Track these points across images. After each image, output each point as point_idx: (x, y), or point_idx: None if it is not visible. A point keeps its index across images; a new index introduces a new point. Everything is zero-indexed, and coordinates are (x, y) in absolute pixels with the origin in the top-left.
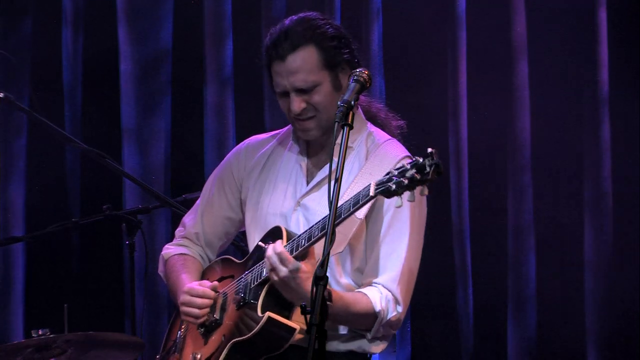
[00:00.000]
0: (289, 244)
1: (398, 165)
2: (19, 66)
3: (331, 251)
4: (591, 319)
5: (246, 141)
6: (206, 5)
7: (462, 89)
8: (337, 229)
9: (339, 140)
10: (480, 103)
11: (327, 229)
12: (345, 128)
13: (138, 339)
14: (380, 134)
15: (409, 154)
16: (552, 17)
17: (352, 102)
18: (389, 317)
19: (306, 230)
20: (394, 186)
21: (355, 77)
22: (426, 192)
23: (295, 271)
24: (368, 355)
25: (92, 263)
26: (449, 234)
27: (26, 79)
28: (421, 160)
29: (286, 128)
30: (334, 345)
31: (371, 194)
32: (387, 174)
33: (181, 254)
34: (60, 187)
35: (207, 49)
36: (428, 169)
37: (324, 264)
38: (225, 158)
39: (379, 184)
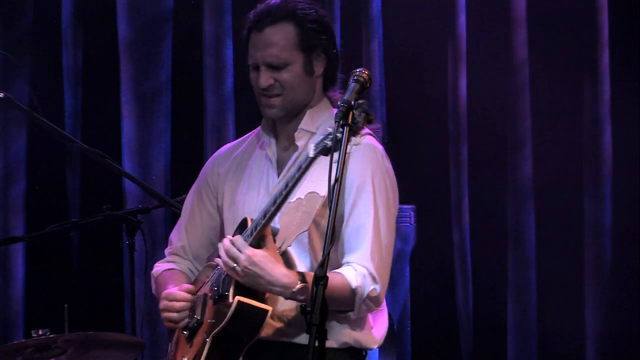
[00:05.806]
0: (249, 227)
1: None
2: (19, 66)
3: (296, 230)
4: (591, 320)
5: (218, 150)
6: (206, 5)
7: (462, 88)
8: (302, 209)
9: (302, 126)
10: (480, 100)
11: (328, 229)
12: (345, 128)
13: (138, 339)
14: None
15: (368, 131)
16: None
17: (352, 102)
18: (367, 292)
19: (261, 210)
20: (329, 142)
21: (356, 77)
22: (359, 141)
23: (252, 256)
24: (364, 352)
25: (92, 263)
26: (449, 234)
27: (26, 79)
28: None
29: (255, 130)
30: (329, 341)
31: (310, 155)
32: (323, 132)
33: (169, 269)
34: (60, 187)
35: (207, 49)
36: (358, 118)
37: (324, 263)
38: (202, 170)
39: (317, 144)
